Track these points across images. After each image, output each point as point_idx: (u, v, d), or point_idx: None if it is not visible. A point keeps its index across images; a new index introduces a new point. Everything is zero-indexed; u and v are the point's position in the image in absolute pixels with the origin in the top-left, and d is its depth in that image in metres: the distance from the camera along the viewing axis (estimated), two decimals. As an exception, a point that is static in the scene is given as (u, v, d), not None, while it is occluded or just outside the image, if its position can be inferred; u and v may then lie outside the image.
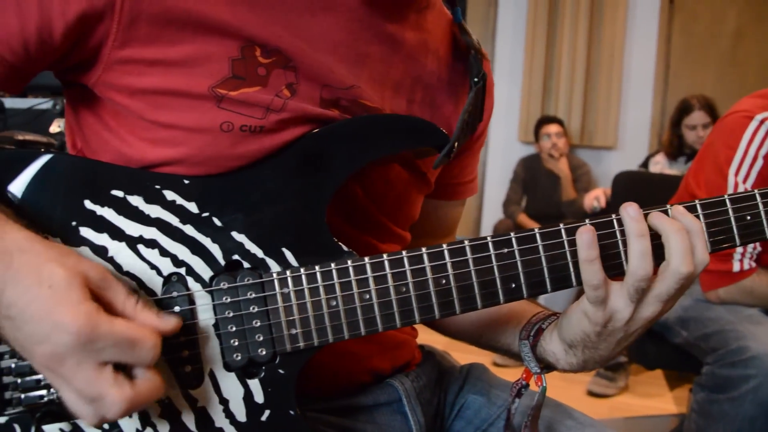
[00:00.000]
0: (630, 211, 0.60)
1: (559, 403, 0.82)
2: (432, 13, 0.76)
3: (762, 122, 1.60)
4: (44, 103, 2.54)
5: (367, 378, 0.74)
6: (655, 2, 4.42)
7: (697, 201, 0.64)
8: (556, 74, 4.49)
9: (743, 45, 4.34)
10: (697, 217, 0.63)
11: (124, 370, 0.51)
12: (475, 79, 0.72)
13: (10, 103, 2.59)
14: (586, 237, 0.60)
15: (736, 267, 1.58)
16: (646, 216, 0.61)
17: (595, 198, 3.33)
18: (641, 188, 2.26)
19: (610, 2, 4.36)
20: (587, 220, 0.62)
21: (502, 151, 4.68)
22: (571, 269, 0.62)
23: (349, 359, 0.71)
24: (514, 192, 4.10)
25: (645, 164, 3.63)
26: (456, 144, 0.67)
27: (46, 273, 0.49)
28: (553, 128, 3.99)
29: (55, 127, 2.31)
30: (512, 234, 0.62)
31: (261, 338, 0.59)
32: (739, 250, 1.57)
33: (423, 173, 0.76)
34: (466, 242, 0.61)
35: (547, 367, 0.71)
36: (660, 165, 3.46)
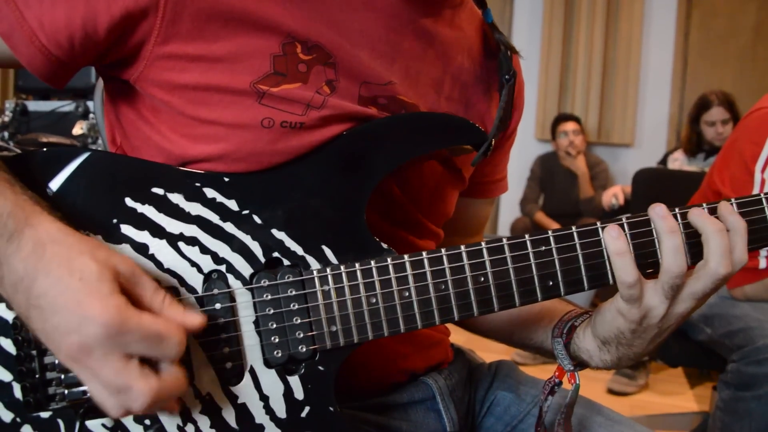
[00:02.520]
0: (658, 210, 0.61)
1: (588, 400, 0.82)
2: (465, 11, 0.76)
3: None
4: (67, 106, 2.57)
5: (402, 378, 0.75)
6: None
7: (733, 199, 0.64)
8: (573, 72, 4.47)
9: (763, 40, 4.28)
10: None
11: (149, 363, 0.51)
12: (506, 77, 0.72)
13: (34, 105, 2.62)
14: (612, 231, 0.60)
15: (763, 264, 1.57)
16: (683, 214, 0.62)
17: (614, 195, 3.31)
18: (661, 185, 2.24)
19: (627, -2, 4.34)
20: (623, 218, 0.62)
21: (519, 149, 4.64)
22: (608, 267, 0.62)
23: (384, 359, 0.72)
24: (531, 190, 4.08)
25: (663, 161, 3.60)
26: (492, 142, 0.67)
27: (78, 265, 0.49)
28: (570, 126, 3.97)
29: (78, 130, 2.33)
30: (550, 232, 0.62)
31: (301, 335, 0.59)
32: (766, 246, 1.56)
33: (458, 170, 0.76)
34: (504, 240, 0.61)
35: (580, 364, 0.71)
36: (679, 162, 3.43)
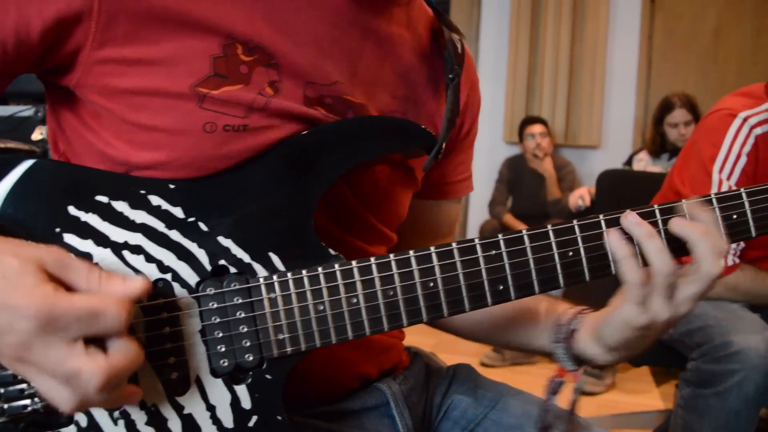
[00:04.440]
0: (631, 219, 0.62)
1: (525, 393, 0.83)
2: (413, 8, 0.76)
3: (745, 120, 1.62)
4: (26, 111, 2.51)
5: (355, 384, 0.74)
6: (636, 1, 4.46)
7: (683, 201, 0.65)
8: (540, 75, 4.52)
9: (723, 43, 4.38)
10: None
11: (98, 344, 0.49)
12: (450, 76, 0.71)
13: (-8, 111, 2.56)
14: (613, 237, 0.62)
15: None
16: (665, 221, 0.63)
17: (580, 197, 3.35)
18: (624, 186, 2.27)
19: (592, 2, 4.40)
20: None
21: (487, 151, 4.69)
22: (559, 270, 0.62)
23: (336, 365, 0.71)
24: (499, 192, 4.11)
25: (629, 162, 3.66)
26: (443, 144, 0.67)
27: None
28: (537, 128, 4.01)
29: (37, 135, 2.28)
30: (500, 236, 0.62)
31: (248, 344, 0.59)
32: None
33: (410, 169, 0.76)
34: (454, 245, 0.61)
35: (580, 363, 0.72)
36: (643, 162, 3.49)
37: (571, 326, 0.72)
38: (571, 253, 0.63)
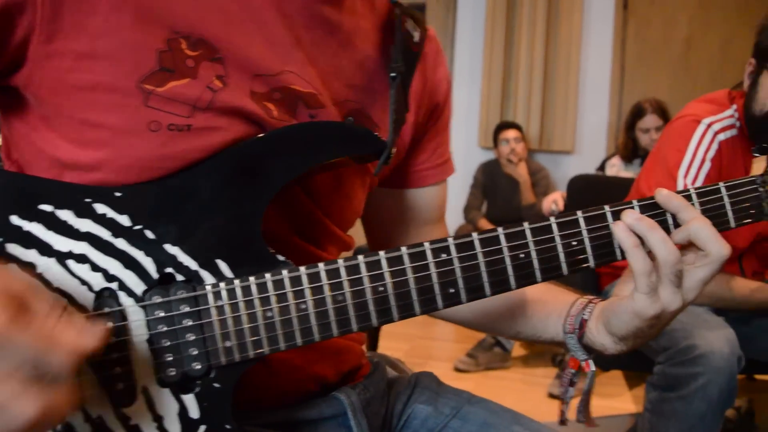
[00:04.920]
0: (631, 216, 0.64)
1: (506, 409, 0.82)
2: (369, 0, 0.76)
3: (709, 126, 1.64)
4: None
5: (313, 386, 0.73)
6: (609, 8, 4.52)
7: (658, 191, 0.67)
8: (515, 80, 4.56)
9: (694, 50, 4.46)
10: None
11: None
12: (392, 74, 0.71)
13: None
14: (620, 228, 0.63)
15: None
16: (644, 207, 0.66)
17: (553, 201, 3.37)
18: (596, 191, 2.29)
19: (566, 8, 4.45)
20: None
21: (462, 156, 4.71)
22: (510, 273, 0.63)
23: (290, 368, 0.70)
24: (474, 197, 4.13)
25: (602, 167, 3.70)
26: (393, 149, 0.67)
27: None
28: (511, 133, 4.03)
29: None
30: (450, 240, 0.62)
31: (195, 352, 0.58)
32: None
33: (367, 168, 0.76)
34: (404, 250, 0.61)
35: (591, 352, 0.73)
36: (616, 167, 3.53)
37: (583, 316, 0.73)
38: (522, 255, 0.63)
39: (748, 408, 2.48)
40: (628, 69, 4.61)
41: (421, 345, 3.58)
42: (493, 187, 4.08)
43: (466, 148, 4.72)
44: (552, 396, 2.76)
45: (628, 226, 0.64)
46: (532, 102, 4.51)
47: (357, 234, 0.85)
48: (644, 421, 1.58)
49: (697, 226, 0.63)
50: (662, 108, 3.36)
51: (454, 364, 3.07)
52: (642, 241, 0.63)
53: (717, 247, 0.62)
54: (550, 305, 0.78)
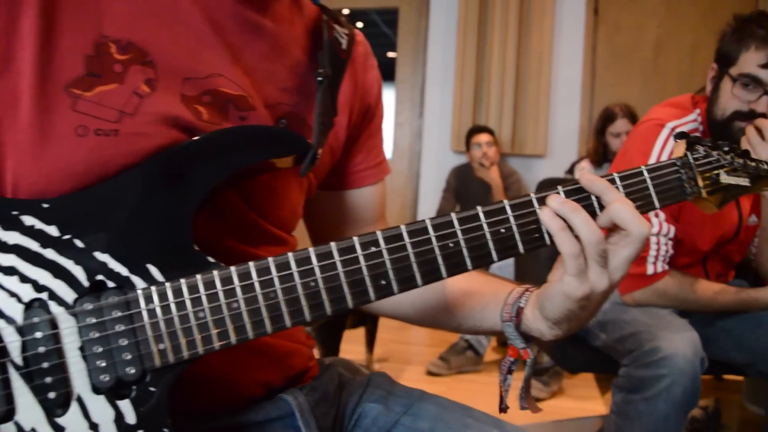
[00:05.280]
0: (555, 201, 0.65)
1: (458, 404, 0.83)
2: (299, 4, 0.77)
3: (673, 130, 1.67)
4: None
5: (259, 391, 0.73)
6: (580, 14, 4.59)
7: (579, 176, 0.69)
8: (487, 85, 4.60)
9: (663, 55, 4.55)
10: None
11: None
12: (319, 79, 0.72)
13: None
14: (546, 212, 0.65)
15: (650, 270, 1.64)
16: (569, 191, 0.68)
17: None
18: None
19: (537, 14, 4.51)
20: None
21: (435, 161, 4.75)
22: (440, 262, 0.64)
23: (235, 373, 0.70)
24: (447, 201, 4.15)
25: (571, 171, 3.73)
26: (319, 150, 0.68)
27: None
28: (483, 137, 4.06)
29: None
30: (378, 233, 0.63)
31: (129, 357, 0.58)
32: (653, 253, 1.63)
33: None
34: (333, 244, 0.62)
35: (531, 339, 0.74)
36: (585, 171, 3.57)
37: (519, 304, 0.74)
38: (451, 244, 0.64)
39: (715, 407, 2.51)
40: (599, 73, 4.68)
41: (394, 349, 3.58)
42: (466, 191, 4.11)
43: (438, 152, 4.75)
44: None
45: (553, 211, 0.65)
46: (504, 106, 4.55)
47: (304, 239, 0.86)
48: (610, 422, 1.60)
49: (617, 206, 0.64)
50: (632, 112, 3.41)
51: (426, 367, 3.08)
52: (569, 225, 0.65)
53: (637, 226, 0.64)
54: (488, 296, 0.79)
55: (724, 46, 1.58)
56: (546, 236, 0.66)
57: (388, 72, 5.07)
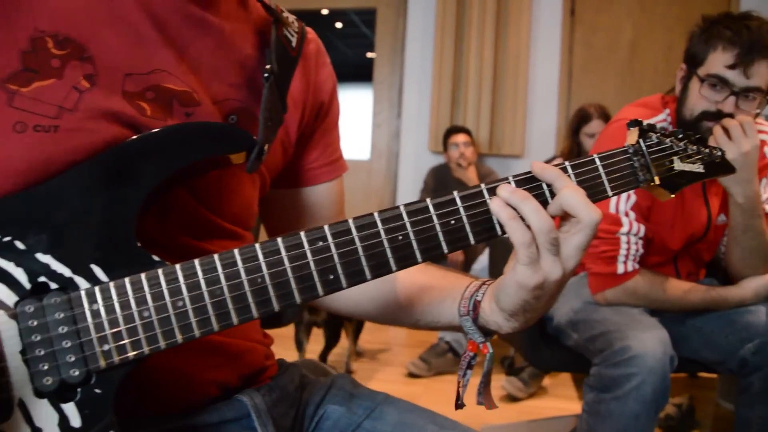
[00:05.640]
0: (506, 188, 0.65)
1: (423, 408, 0.82)
2: (245, 2, 0.77)
3: None
4: None
5: (214, 390, 0.72)
6: (556, 15, 4.63)
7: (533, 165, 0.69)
8: (465, 85, 4.62)
9: (639, 56, 4.61)
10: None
11: None
12: (265, 75, 0.71)
13: None
14: (495, 202, 0.65)
15: (620, 269, 1.65)
16: (520, 181, 0.67)
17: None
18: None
19: (515, 15, 4.54)
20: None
21: (413, 161, 4.76)
22: (390, 255, 0.63)
23: (188, 372, 0.69)
24: (425, 202, 4.15)
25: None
26: (266, 146, 0.67)
27: None
28: (460, 138, 4.08)
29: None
30: (325, 227, 0.62)
31: (72, 359, 0.57)
32: (623, 252, 1.64)
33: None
34: (279, 240, 0.61)
35: (489, 333, 0.74)
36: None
37: (476, 297, 0.74)
38: (400, 237, 0.64)
39: (689, 405, 2.53)
40: (575, 74, 4.72)
41: (374, 349, 3.58)
42: (443, 191, 4.10)
43: (416, 152, 4.76)
44: (506, 398, 2.78)
45: (503, 200, 0.65)
46: (481, 107, 4.57)
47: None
48: (582, 422, 1.60)
49: (567, 192, 0.64)
50: (606, 113, 3.44)
51: (406, 367, 3.08)
52: (519, 214, 0.65)
53: (586, 213, 0.63)
54: (446, 290, 0.79)
55: (692, 47, 1.59)
56: (497, 226, 0.66)
57: (367, 72, 5.08)
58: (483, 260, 3.48)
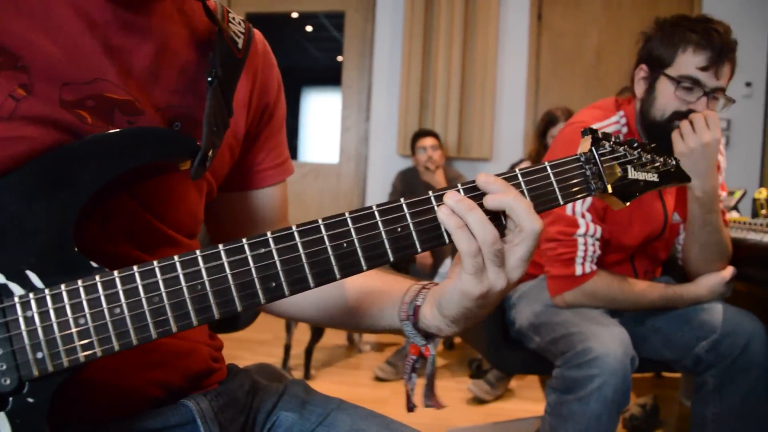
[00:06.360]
0: (452, 197, 0.66)
1: (377, 414, 0.82)
2: (186, 3, 0.76)
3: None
4: None
5: (156, 392, 0.71)
6: (524, 20, 4.69)
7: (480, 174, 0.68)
8: (433, 89, 4.65)
9: (604, 61, 4.70)
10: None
11: None
12: (209, 79, 0.71)
13: None
14: (444, 210, 0.65)
15: (578, 271, 1.67)
16: (467, 189, 0.67)
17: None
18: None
19: (482, 19, 4.58)
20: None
21: (381, 164, 4.77)
22: (334, 263, 0.63)
23: (128, 372, 0.68)
24: (393, 205, 4.16)
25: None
26: (210, 151, 0.67)
27: None
28: (428, 141, 4.10)
29: None
30: (269, 234, 0.62)
31: (4, 367, 0.56)
32: (580, 254, 1.66)
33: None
34: (221, 246, 0.61)
35: (431, 336, 0.74)
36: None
37: (416, 302, 0.74)
38: (345, 245, 0.64)
39: (653, 404, 2.58)
40: (542, 78, 4.78)
41: (341, 354, 3.58)
42: (411, 195, 4.11)
43: (384, 155, 4.78)
44: (472, 401, 2.80)
45: (450, 209, 0.65)
46: (450, 110, 4.60)
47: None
48: (545, 424, 1.62)
49: (513, 200, 0.65)
50: (572, 116, 3.48)
51: (373, 372, 3.09)
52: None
53: (529, 222, 0.64)
54: (386, 294, 0.79)
55: (655, 49, 1.62)
56: (445, 235, 0.66)
57: (338, 76, 5.08)
58: (449, 264, 3.50)
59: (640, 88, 1.67)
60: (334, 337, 3.77)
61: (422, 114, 4.69)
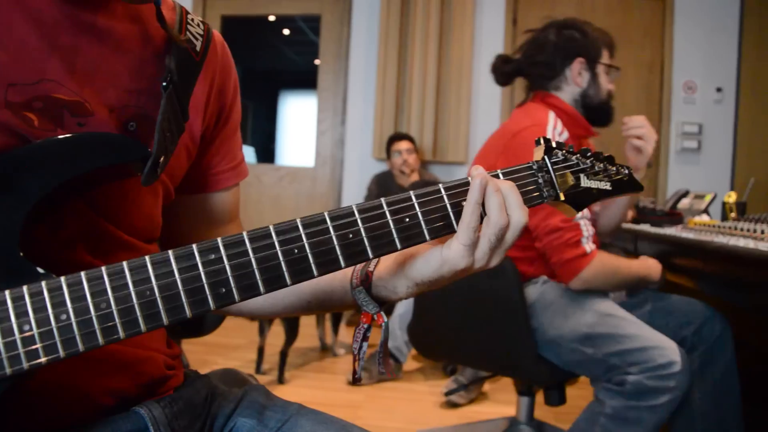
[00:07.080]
0: (479, 173, 0.68)
1: (336, 419, 0.82)
2: (143, 4, 0.75)
3: (554, 128, 1.85)
4: None
5: (108, 400, 0.70)
6: (499, 24, 4.74)
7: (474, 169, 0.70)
8: (408, 93, 4.67)
9: None
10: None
11: None
12: (164, 84, 0.70)
13: None
14: (477, 183, 0.67)
15: (588, 249, 1.73)
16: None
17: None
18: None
19: (458, 23, 4.62)
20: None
21: (357, 168, 4.78)
22: (284, 269, 0.63)
23: (79, 380, 0.67)
24: (368, 209, 4.16)
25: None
26: (162, 158, 0.67)
27: None
28: (403, 145, 4.11)
29: None
30: (219, 240, 0.62)
31: (-54, 375, 0.55)
32: (585, 234, 1.73)
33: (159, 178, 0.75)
34: (170, 252, 0.61)
35: (383, 303, 0.75)
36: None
37: (367, 269, 0.75)
38: (296, 251, 0.64)
39: None
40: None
41: (315, 357, 3.58)
42: (364, 201, 4.12)
43: (360, 159, 4.78)
44: (446, 404, 2.81)
45: (483, 185, 0.68)
46: (425, 114, 4.63)
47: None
48: (595, 426, 1.68)
49: (510, 189, 0.68)
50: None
51: (346, 377, 3.08)
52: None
53: (518, 214, 0.68)
54: (330, 283, 0.79)
55: (587, 44, 1.94)
56: (397, 241, 0.67)
57: (314, 80, 5.07)
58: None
59: (582, 78, 1.95)
60: (308, 341, 3.76)
61: (398, 117, 4.71)
